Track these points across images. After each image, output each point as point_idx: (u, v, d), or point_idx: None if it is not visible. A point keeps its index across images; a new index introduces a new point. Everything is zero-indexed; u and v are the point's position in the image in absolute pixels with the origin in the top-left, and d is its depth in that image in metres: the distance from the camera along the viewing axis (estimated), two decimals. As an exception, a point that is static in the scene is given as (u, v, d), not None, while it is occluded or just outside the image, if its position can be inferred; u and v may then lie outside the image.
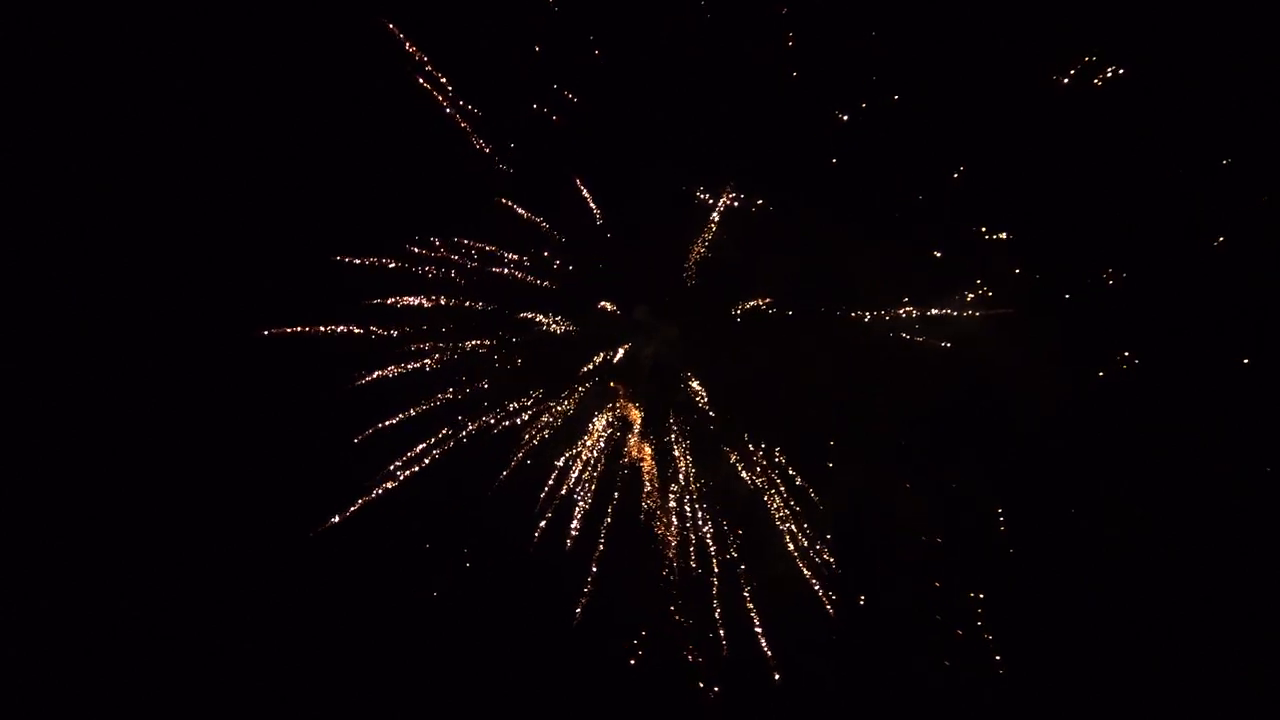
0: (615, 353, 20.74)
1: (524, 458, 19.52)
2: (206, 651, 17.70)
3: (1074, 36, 17.83)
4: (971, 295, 18.37)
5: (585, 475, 19.51)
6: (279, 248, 19.02)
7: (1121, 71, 17.54)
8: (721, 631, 18.28)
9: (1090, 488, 17.98)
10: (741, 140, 19.37)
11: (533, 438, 19.79)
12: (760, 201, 19.53)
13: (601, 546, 18.78)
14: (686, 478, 19.40)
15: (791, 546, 18.60)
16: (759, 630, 18.15)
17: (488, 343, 19.92)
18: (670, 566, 18.86)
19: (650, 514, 19.25)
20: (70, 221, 18.10)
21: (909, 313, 19.04)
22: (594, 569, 18.54)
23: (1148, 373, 18.18)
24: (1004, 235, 18.37)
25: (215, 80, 18.72)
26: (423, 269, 19.68)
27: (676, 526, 19.02)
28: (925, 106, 18.56)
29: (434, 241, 19.74)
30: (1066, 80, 17.86)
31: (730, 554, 18.76)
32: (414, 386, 19.38)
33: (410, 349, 19.31)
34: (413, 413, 19.19)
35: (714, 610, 18.40)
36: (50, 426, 17.71)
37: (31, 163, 17.78)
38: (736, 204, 19.46)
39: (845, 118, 18.53)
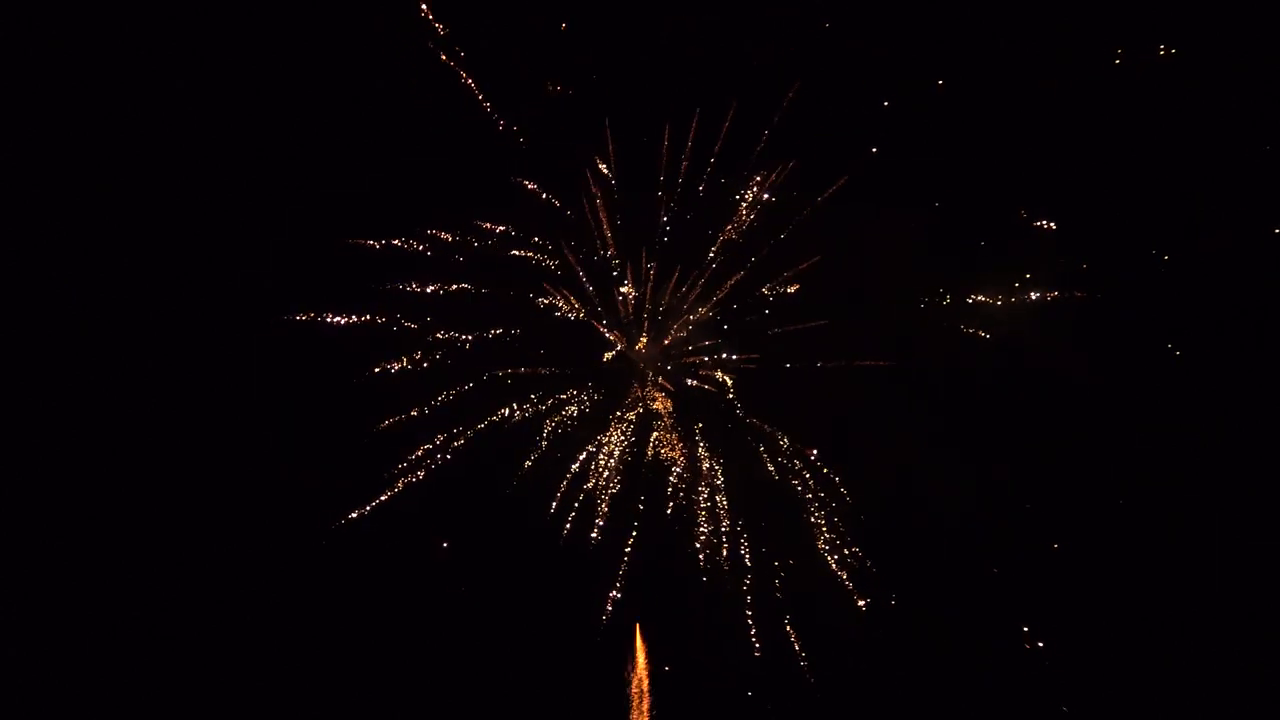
0: (638, 341, 20.15)
1: (547, 449, 18.93)
2: (225, 648, 17.15)
3: (1122, 25, 17.36)
4: (1017, 284, 17.80)
5: (611, 467, 18.96)
6: (292, 235, 18.30)
7: (1173, 51, 17.08)
8: (753, 631, 17.82)
9: (1137, 481, 17.46)
10: (774, 124, 18.68)
11: (554, 428, 19.21)
12: (795, 192, 18.89)
13: (630, 543, 18.26)
14: (715, 471, 18.85)
15: (823, 544, 18.11)
16: (791, 630, 17.67)
17: (513, 331, 19.25)
18: (700, 564, 18.34)
19: (678, 509, 18.70)
20: (84, 210, 17.49)
21: (944, 297, 18.53)
22: (622, 566, 18.04)
23: (1193, 363, 17.76)
24: (1048, 224, 17.80)
25: (229, 64, 18.08)
26: (438, 253, 19.03)
27: (707, 522, 18.49)
28: (967, 94, 18.05)
29: (450, 224, 19.07)
30: (1117, 63, 17.41)
31: (761, 550, 18.25)
32: (432, 375, 18.76)
33: (429, 338, 18.64)
34: (434, 404, 18.59)
35: (746, 609, 17.90)
36: (61, 418, 17.13)
37: (43, 148, 17.22)
38: (768, 194, 18.85)
39: (886, 103, 17.86)
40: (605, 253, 19.71)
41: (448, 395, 18.73)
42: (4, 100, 16.92)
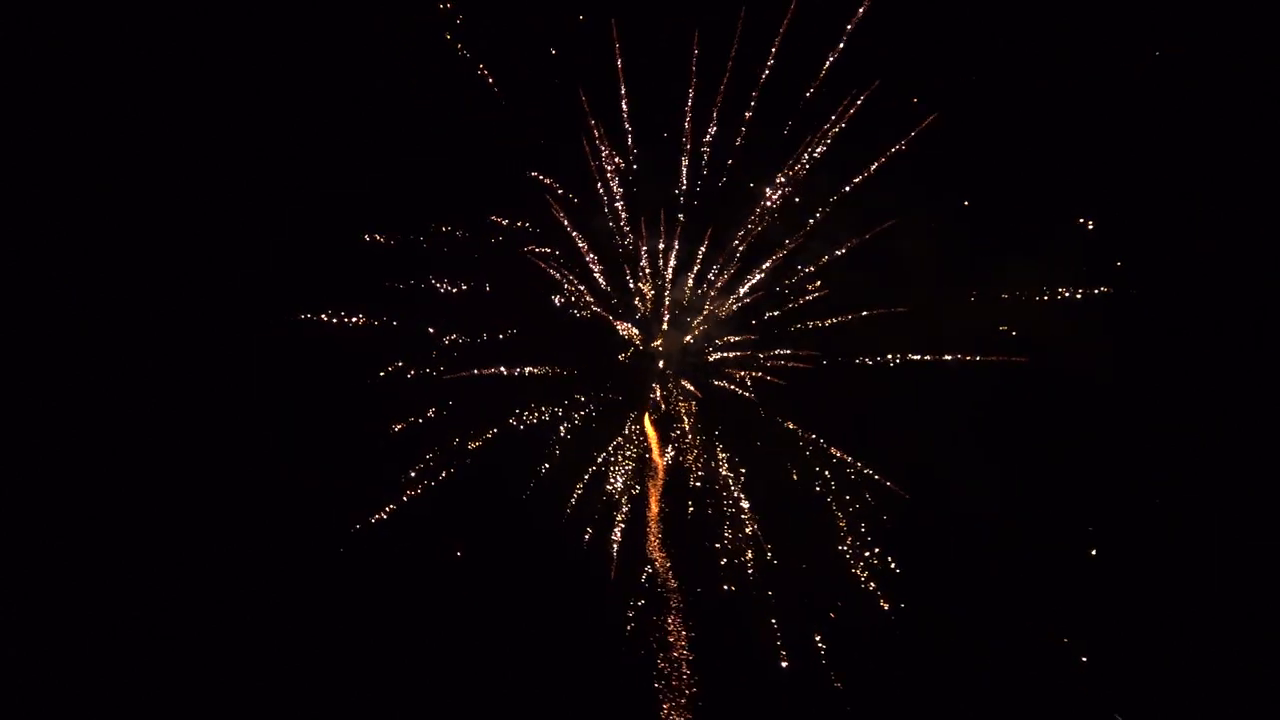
0: (656, 338, 19.76)
1: (564, 451, 18.52)
2: (240, 654, 16.75)
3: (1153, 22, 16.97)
4: (1046, 284, 17.41)
5: (630, 470, 18.55)
6: (305, 235, 17.92)
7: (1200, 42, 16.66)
8: (779, 636, 17.41)
9: (1173, 484, 17.02)
10: (795, 119, 18.24)
11: (571, 430, 18.80)
12: (813, 186, 18.46)
13: (652, 551, 17.85)
14: (738, 472, 18.43)
15: (849, 547, 17.70)
16: (818, 635, 17.25)
17: (529, 330, 18.84)
18: (722, 568, 17.91)
19: (700, 512, 18.27)
20: (93, 212, 17.10)
21: (970, 293, 18.05)
22: (644, 573, 17.63)
23: (1224, 364, 17.32)
24: (1086, 222, 17.37)
25: (239, 64, 17.72)
26: (451, 251, 18.62)
27: (729, 525, 18.07)
28: (995, 90, 17.69)
29: (463, 222, 18.65)
30: (1152, 59, 17.04)
31: (786, 553, 17.81)
32: (446, 376, 18.35)
33: (445, 341, 18.21)
34: (448, 406, 18.18)
35: (771, 615, 17.49)
36: (68, 421, 16.74)
37: (47, 149, 16.85)
38: (790, 189, 18.43)
39: (916, 100, 17.41)
40: (622, 247, 19.33)
41: (462, 396, 18.34)
42: (4, 100, 16.58)
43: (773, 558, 17.80)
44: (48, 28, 16.90)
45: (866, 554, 17.71)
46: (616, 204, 19.05)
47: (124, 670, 16.37)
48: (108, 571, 16.64)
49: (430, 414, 17.88)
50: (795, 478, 18.34)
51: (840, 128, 17.79)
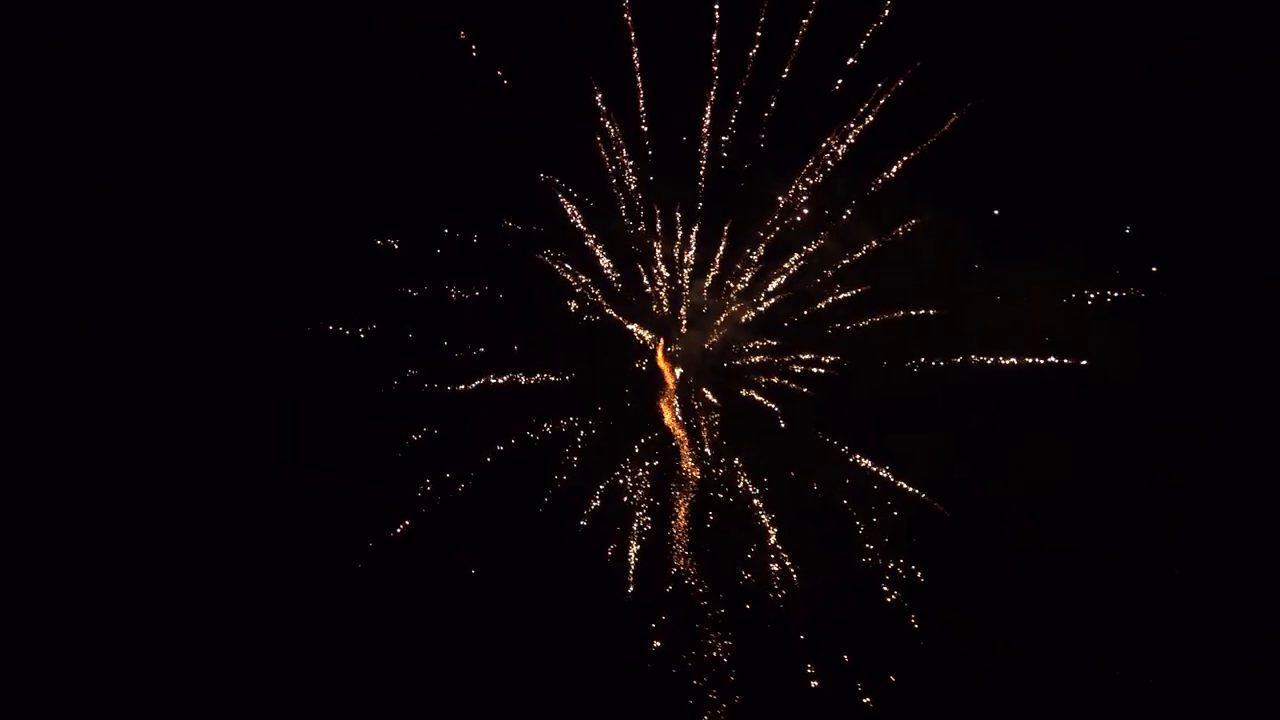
0: (674, 343, 19.35)
1: (579, 463, 18.04)
2: (249, 672, 16.23)
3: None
4: (1073, 287, 17.12)
5: (648, 481, 18.10)
6: (312, 237, 17.53)
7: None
8: (806, 651, 16.95)
9: (1202, 489, 16.65)
10: (813, 120, 17.83)
11: (585, 440, 18.33)
12: (835, 187, 18.11)
13: (674, 563, 17.39)
14: (759, 484, 17.98)
15: (873, 560, 17.27)
16: (846, 655, 16.79)
17: (541, 336, 18.38)
18: (746, 584, 17.44)
19: (722, 526, 17.81)
20: (100, 213, 16.83)
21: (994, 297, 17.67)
22: (668, 587, 17.17)
23: (1254, 368, 16.99)
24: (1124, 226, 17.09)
25: (244, 62, 17.47)
26: (461, 255, 18.16)
27: (753, 541, 17.60)
28: (1019, 91, 17.39)
29: (474, 225, 18.20)
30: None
31: (810, 567, 17.36)
32: (454, 384, 17.87)
33: (458, 354, 17.76)
34: (458, 416, 17.71)
35: (798, 632, 17.03)
36: (76, 423, 16.43)
37: (63, 149, 16.69)
38: (806, 192, 18.03)
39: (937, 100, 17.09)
40: (639, 250, 18.92)
41: (475, 405, 17.84)
42: (4, 101, 16.21)
43: (797, 571, 17.33)
44: (48, 28, 16.59)
45: (892, 565, 17.27)
46: (636, 206, 18.69)
47: (128, 684, 15.85)
48: (115, 582, 16.19)
49: (444, 424, 17.42)
50: (816, 488, 17.95)
51: (864, 125, 17.45)
